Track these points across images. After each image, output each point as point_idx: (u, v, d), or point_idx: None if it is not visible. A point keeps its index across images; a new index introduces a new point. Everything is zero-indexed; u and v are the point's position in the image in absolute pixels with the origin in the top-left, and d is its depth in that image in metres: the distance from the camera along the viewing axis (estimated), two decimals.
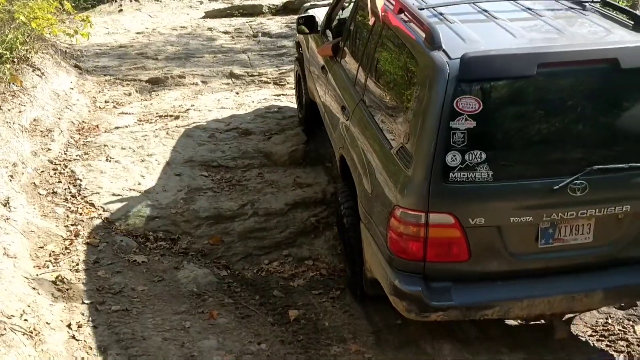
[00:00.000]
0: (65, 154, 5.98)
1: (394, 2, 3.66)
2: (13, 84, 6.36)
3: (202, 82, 8.89)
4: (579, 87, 3.06)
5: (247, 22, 14.26)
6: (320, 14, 5.57)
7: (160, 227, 4.84)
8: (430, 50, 3.05)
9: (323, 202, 5.11)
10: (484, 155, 2.88)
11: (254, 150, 6.00)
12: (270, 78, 8.87)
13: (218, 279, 4.31)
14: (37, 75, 7.21)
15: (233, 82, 8.86)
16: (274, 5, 15.36)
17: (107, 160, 5.83)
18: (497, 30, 3.34)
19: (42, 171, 5.50)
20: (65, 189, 5.24)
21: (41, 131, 6.14)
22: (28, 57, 7.32)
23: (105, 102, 7.94)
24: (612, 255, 3.20)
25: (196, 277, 4.23)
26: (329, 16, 5.32)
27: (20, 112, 6.10)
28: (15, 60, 6.91)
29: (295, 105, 7.00)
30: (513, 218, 2.99)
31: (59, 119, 6.64)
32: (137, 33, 13.54)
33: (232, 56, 10.76)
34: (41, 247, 4.38)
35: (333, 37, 5.08)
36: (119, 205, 5.05)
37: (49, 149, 5.89)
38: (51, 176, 5.45)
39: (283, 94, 7.92)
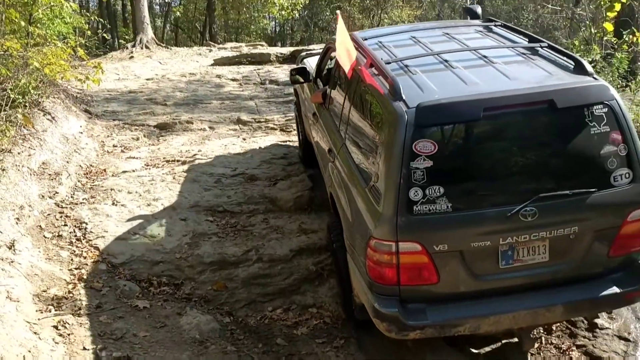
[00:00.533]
0: (72, 197, 6.02)
1: (366, 58, 4.04)
2: (24, 127, 6.47)
3: (210, 127, 9.01)
4: (521, 126, 3.50)
5: (255, 69, 14.56)
6: (312, 63, 6.10)
7: (164, 272, 4.82)
8: (392, 100, 3.45)
9: (328, 249, 5.07)
10: (442, 190, 3.28)
11: (259, 196, 6.03)
12: (276, 124, 8.98)
13: (221, 326, 4.27)
14: (48, 119, 7.33)
15: (240, 128, 8.97)
16: (281, 54, 15.75)
17: (113, 204, 5.86)
18: (452, 79, 3.69)
19: (49, 214, 5.53)
20: (70, 232, 5.25)
21: (49, 174, 6.19)
22: (40, 102, 7.47)
23: (114, 146, 8.04)
24: (568, 273, 3.55)
25: (199, 324, 4.19)
26: (319, 67, 5.79)
27: (29, 155, 6.18)
28: (27, 104, 7.05)
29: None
30: (473, 243, 3.37)
31: (67, 162, 6.71)
32: (147, 79, 13.82)
33: (239, 103, 10.93)
34: (44, 291, 4.36)
35: (323, 85, 5.47)
36: (124, 249, 5.05)
37: (56, 192, 5.93)
38: (57, 219, 5.47)
39: (289, 140, 8.01)
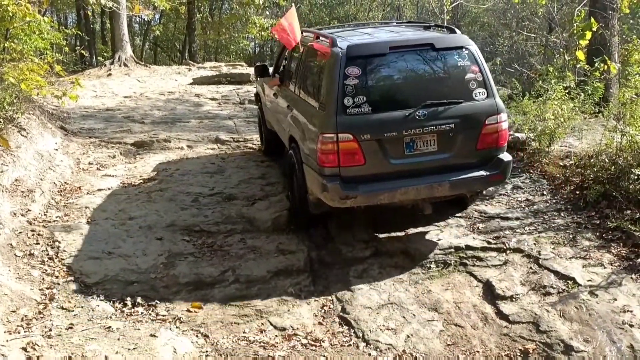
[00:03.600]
0: (45, 215, 5.90)
1: (315, 36, 5.98)
2: None
3: (188, 146, 8.95)
4: (414, 59, 5.33)
5: (234, 89, 14.56)
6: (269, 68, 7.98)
7: (139, 292, 4.72)
8: (332, 47, 5.29)
9: (306, 270, 5.04)
10: (364, 98, 5.03)
11: (237, 216, 5.97)
12: (255, 144, 8.97)
13: (196, 348, 4.18)
14: (23, 135, 7.21)
15: (219, 148, 8.93)
16: None
17: (87, 222, 5.75)
18: (369, 37, 5.93)
19: (20, 232, 5.40)
20: (42, 251, 5.13)
21: (22, 192, 6.07)
22: (14, 118, 7.34)
23: (89, 163, 7.93)
24: (451, 161, 5.20)
25: (173, 346, 4.09)
26: (276, 64, 7.67)
27: (2, 172, 6.06)
28: (1, 120, 6.92)
29: (281, 176, 7.09)
30: (386, 134, 5.02)
31: (41, 179, 6.59)
32: (125, 97, 13.71)
33: (218, 122, 10.89)
34: (13, 311, 4.23)
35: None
36: (97, 268, 4.94)
37: (29, 210, 5.80)
38: (29, 237, 5.34)
39: (267, 160, 7.99)
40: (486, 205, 6.17)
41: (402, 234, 5.62)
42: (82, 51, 11.21)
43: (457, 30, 5.71)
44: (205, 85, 15.56)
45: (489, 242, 5.33)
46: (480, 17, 36.02)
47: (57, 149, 7.93)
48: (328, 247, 5.43)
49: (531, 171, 6.84)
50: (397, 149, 5.08)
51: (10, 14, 8.46)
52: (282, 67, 7.22)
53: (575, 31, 10.49)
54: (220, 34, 31.48)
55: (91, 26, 29.29)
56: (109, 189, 6.82)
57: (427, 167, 5.16)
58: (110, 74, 17.62)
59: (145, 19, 35.72)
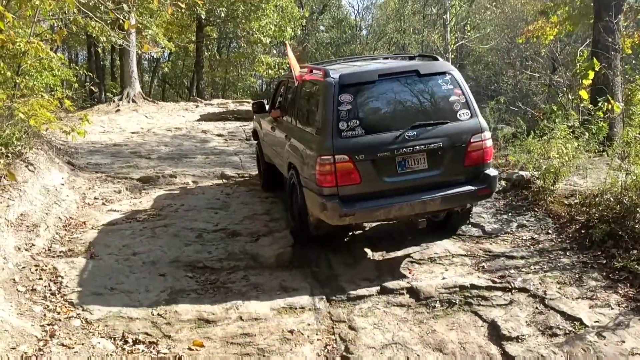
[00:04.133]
0: (49, 249, 5.90)
1: (306, 69, 6.61)
2: (5, 178, 6.39)
3: (193, 182, 9.00)
4: (402, 85, 5.75)
5: (240, 125, 14.72)
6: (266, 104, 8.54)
7: (140, 329, 4.67)
8: (325, 78, 5.72)
9: (309, 308, 4.99)
10: (357, 122, 5.43)
11: (240, 252, 5.95)
12: (260, 180, 9.01)
13: None
14: (30, 170, 7.27)
15: (224, 183, 8.97)
16: None
17: (91, 257, 5.74)
18: (359, 67, 6.35)
19: (24, 267, 5.39)
20: (45, 286, 5.11)
21: (27, 226, 6.08)
22: (22, 153, 7.42)
23: (95, 198, 7.97)
24: (441, 178, 5.57)
25: None
26: (272, 100, 8.15)
27: (8, 206, 6.09)
28: (9, 155, 7.00)
29: (284, 211, 7.08)
30: (379, 154, 5.39)
31: (47, 214, 6.62)
32: (132, 132, 13.86)
33: (224, 158, 10.98)
34: (13, 348, 4.18)
35: None
36: (100, 304, 4.91)
37: (33, 244, 5.81)
38: (32, 272, 5.33)
39: (272, 196, 8.01)
40: (491, 244, 6.13)
41: (407, 273, 5.58)
42: (92, 87, 11.41)
43: (439, 58, 6.30)
44: (212, 121, 15.75)
45: (494, 281, 5.27)
46: (485, 56, 36.53)
47: (63, 184, 7.98)
48: (332, 285, 5.38)
49: (536, 209, 6.82)
50: (390, 168, 5.48)
51: (23, 50, 8.65)
52: (278, 102, 7.76)
53: (578, 71, 10.62)
54: (227, 72, 32.00)
55: (101, 63, 29.86)
56: (114, 224, 6.83)
57: (419, 184, 5.55)
58: (118, 110, 17.86)
59: (155, 56, 36.38)
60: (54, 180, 7.80)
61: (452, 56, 28.77)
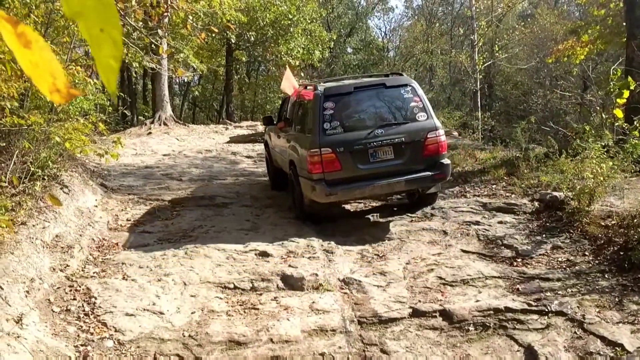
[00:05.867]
0: (82, 270, 5.98)
1: (303, 85, 8.62)
2: (41, 200, 6.53)
3: (223, 204, 9.06)
4: (372, 95, 7.42)
5: None
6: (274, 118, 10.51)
7: (172, 351, 4.67)
8: (314, 91, 7.41)
9: (340, 331, 4.93)
10: (338, 123, 7.10)
11: (271, 273, 5.94)
12: (289, 202, 9.04)
13: None
14: (65, 192, 7.42)
15: (253, 204, 9.01)
16: None
17: (123, 278, 5.80)
18: (340, 83, 8.10)
19: (58, 287, 5.47)
20: (79, 307, 5.17)
21: (62, 247, 6.19)
22: (58, 175, 7.59)
23: (127, 220, 8.08)
24: (405, 166, 7.14)
25: None
26: (279, 114, 10.07)
27: (44, 228, 6.21)
28: (45, 177, 7.16)
29: (317, 233, 7.07)
30: (355, 147, 7.01)
31: (81, 235, 6.73)
32: (164, 155, 14.09)
33: (253, 179, 11.05)
34: None
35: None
36: (132, 325, 4.94)
37: (67, 265, 5.90)
38: (66, 293, 5.40)
39: (300, 217, 8.01)
40: (525, 266, 6.00)
41: (440, 295, 5.49)
42: (125, 111, 11.71)
43: (403, 74, 8.27)
44: (241, 143, 15.92)
45: (529, 304, 5.14)
46: (514, 76, 36.24)
47: (96, 206, 8.13)
48: (364, 306, 5.32)
49: (571, 231, 6.66)
50: (364, 158, 7.07)
51: None
52: (283, 116, 9.44)
53: (612, 89, 10.44)
54: (256, 94, 32.38)
55: (133, 87, 30.53)
56: (146, 245, 6.91)
57: (387, 170, 7.14)
58: (150, 133, 18.19)
59: (185, 80, 37.08)
60: (87, 202, 7.95)
61: (481, 76, 28.63)
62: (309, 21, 24.47)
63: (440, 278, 5.80)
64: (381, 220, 7.81)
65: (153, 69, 20.22)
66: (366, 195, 7.40)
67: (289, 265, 6.10)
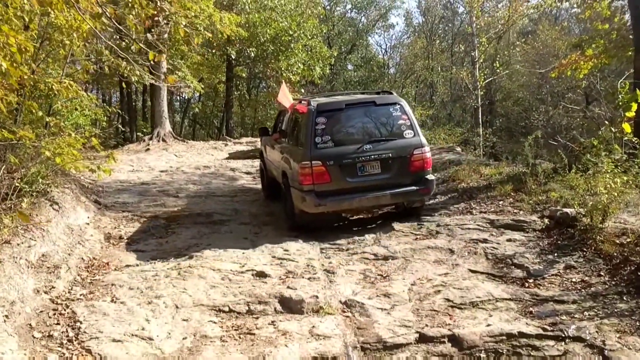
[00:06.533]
0: (69, 292, 5.65)
1: (298, 100, 8.87)
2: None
3: (221, 221, 8.75)
4: (363, 112, 7.70)
5: None
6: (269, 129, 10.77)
7: None
8: (308, 106, 7.64)
9: (343, 359, 4.59)
10: (329, 137, 7.34)
11: (268, 295, 5.60)
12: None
13: None
14: (54, 209, 7.12)
15: (251, 222, 8.69)
16: None
17: (112, 300, 5.46)
18: (333, 99, 8.26)
19: (42, 311, 5.13)
20: (62, 332, 4.83)
21: (48, 267, 5.87)
22: (48, 191, 7.30)
23: (120, 238, 7.77)
24: (391, 181, 7.42)
25: None
26: (274, 126, 10.21)
27: (29, 246, 5.89)
28: (34, 193, 6.86)
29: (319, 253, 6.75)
30: (344, 160, 7.29)
31: (69, 254, 6.41)
32: (161, 171, 13.80)
33: (252, 196, 10.75)
34: None
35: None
36: (118, 352, 4.59)
37: (53, 287, 5.57)
38: (50, 317, 5.06)
39: (302, 236, 7.71)
40: (538, 287, 5.66)
41: (448, 319, 5.14)
42: (119, 125, 11.50)
43: (393, 92, 8.59)
44: (240, 159, 15.65)
45: (544, 329, 4.79)
46: (515, 92, 36.07)
47: (88, 223, 7.82)
48: (368, 331, 4.98)
49: (584, 249, 6.33)
50: (353, 171, 7.42)
51: (56, 91, 8.65)
52: (278, 128, 9.74)
53: (620, 103, 10.18)
54: (257, 111, 32.19)
55: (133, 104, 30.38)
56: (138, 264, 6.59)
57: (374, 184, 7.48)
58: (148, 149, 17.93)
59: (185, 97, 36.97)
60: (79, 219, 7.64)
61: (482, 93, 28.42)
62: (309, 37, 24.34)
63: (448, 300, 5.46)
64: (383, 236, 7.48)
65: (153, 81, 20.02)
66: (354, 207, 7.67)
67: (288, 287, 5.76)
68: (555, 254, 6.38)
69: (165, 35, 18.35)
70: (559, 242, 6.67)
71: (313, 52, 24.68)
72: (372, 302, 5.48)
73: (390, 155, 7.46)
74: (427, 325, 4.98)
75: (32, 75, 7.75)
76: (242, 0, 22.62)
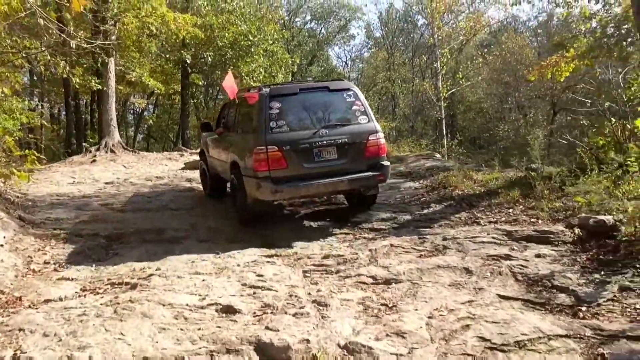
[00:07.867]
0: None
1: (245, 90, 8.75)
2: None
3: (174, 238, 7.16)
4: (316, 97, 7.64)
5: None
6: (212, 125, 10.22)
7: None
8: (259, 92, 7.48)
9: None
10: (284, 122, 7.21)
11: (240, 340, 4.04)
12: (257, 234, 7.22)
13: None
14: None
15: (212, 239, 7.15)
16: None
17: (13, 355, 3.82)
18: (286, 85, 8.14)
19: None
20: None
21: None
22: None
23: (45, 262, 6.13)
24: (348, 166, 7.37)
25: None
26: (217, 121, 9.87)
27: None
28: None
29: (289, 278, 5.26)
30: (300, 145, 7.13)
31: None
32: (106, 183, 12.10)
33: (210, 208, 9.19)
34: None
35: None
36: None
37: None
38: None
39: (276, 255, 6.21)
40: (596, 318, 4.30)
41: None
42: (61, 130, 9.94)
43: (344, 79, 8.53)
44: (197, 169, 14.01)
45: None
46: (479, 103, 35.51)
47: (2, 245, 6.11)
48: None
49: (637, 265, 5.04)
50: (309, 157, 7.14)
51: None
52: (222, 122, 9.47)
53: (632, 96, 9.14)
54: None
55: (82, 117, 28.19)
56: (62, 299, 4.95)
57: (331, 169, 7.23)
58: (94, 160, 16.13)
59: (139, 109, 34.98)
60: None
61: (445, 104, 27.61)
62: (270, 42, 22.95)
63: (484, 339, 4.04)
64: (379, 253, 6.04)
65: (100, 91, 18.17)
66: (311, 193, 7.43)
67: (266, 327, 4.21)
68: (602, 272, 5.05)
69: (114, 37, 16.64)
70: (601, 256, 5.36)
71: (274, 57, 23.27)
72: (381, 345, 4.01)
73: (346, 140, 7.28)
74: None
75: None
76: (198, 2, 21.11)
